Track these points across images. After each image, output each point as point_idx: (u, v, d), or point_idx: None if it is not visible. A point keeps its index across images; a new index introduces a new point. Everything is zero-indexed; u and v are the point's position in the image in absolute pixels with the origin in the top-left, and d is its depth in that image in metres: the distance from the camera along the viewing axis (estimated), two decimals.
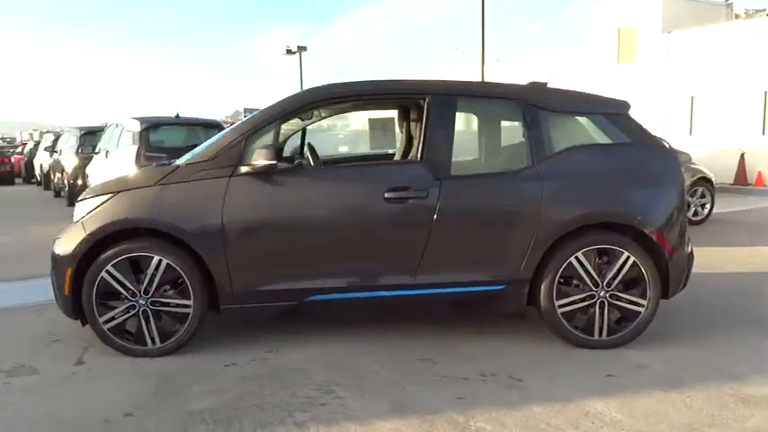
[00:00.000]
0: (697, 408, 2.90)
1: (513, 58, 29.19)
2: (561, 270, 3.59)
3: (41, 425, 2.81)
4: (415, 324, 4.06)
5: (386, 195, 3.49)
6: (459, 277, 3.60)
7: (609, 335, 3.66)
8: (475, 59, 19.62)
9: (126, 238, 3.52)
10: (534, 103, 3.71)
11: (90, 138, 11.15)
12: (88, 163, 9.70)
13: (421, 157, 3.59)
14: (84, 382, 3.28)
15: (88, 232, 3.49)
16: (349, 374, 3.33)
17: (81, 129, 12.16)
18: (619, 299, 3.63)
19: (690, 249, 3.85)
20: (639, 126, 3.86)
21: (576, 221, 3.58)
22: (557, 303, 3.62)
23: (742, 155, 14.61)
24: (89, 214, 3.57)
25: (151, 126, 7.72)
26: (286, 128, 4.90)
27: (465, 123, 3.89)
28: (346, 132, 13.28)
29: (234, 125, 3.78)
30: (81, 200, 3.73)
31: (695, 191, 8.62)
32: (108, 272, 3.48)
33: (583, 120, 3.89)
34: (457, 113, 3.70)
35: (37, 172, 18.18)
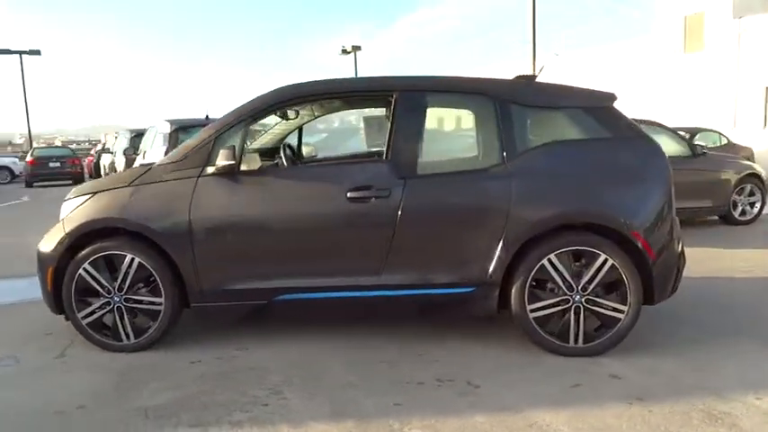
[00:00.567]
0: (654, 423, 2.69)
1: (576, 51, 28.30)
2: (533, 273, 3.42)
3: None
4: (388, 325, 3.99)
5: (348, 195, 3.44)
6: (427, 279, 3.50)
7: (585, 342, 3.46)
8: (538, 54, 19.12)
9: (103, 237, 3.64)
10: (507, 98, 3.54)
11: (138, 139, 11.65)
12: (133, 163, 10.14)
13: (386, 156, 3.52)
14: (56, 374, 3.42)
15: (66, 231, 3.64)
16: (306, 375, 3.31)
17: (132, 131, 12.75)
18: (596, 304, 3.43)
19: (680, 252, 3.57)
20: (624, 120, 3.61)
21: (547, 222, 3.40)
22: (529, 308, 3.45)
23: None
24: (69, 214, 3.73)
25: (180, 128, 7.97)
26: (282, 128, 4.96)
27: (437, 120, 3.77)
28: (344, 130, 13.24)
29: (207, 126, 3.83)
30: (66, 200, 3.89)
31: (743, 188, 8.02)
32: (85, 269, 3.61)
33: (560, 114, 3.68)
34: (426, 110, 3.60)
35: (102, 172, 19.23)
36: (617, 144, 3.55)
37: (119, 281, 3.61)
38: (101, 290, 3.63)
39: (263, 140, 4.98)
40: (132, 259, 3.58)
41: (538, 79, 3.93)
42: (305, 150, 5.48)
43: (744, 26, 18.92)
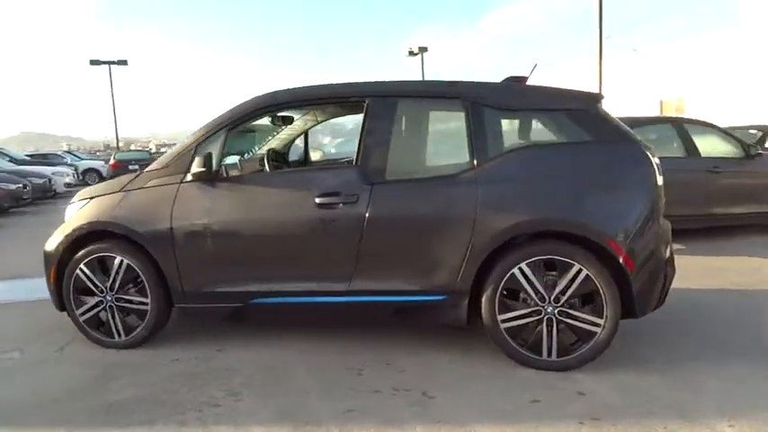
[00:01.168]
0: None
1: (657, 46, 26.93)
2: (504, 282, 3.30)
3: None
4: (366, 332, 3.97)
5: (317, 201, 3.46)
6: (396, 286, 3.46)
7: (560, 355, 3.30)
8: (619, 50, 18.45)
9: (97, 240, 3.85)
10: (479, 102, 3.44)
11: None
12: None
13: (356, 161, 3.51)
14: (50, 367, 3.65)
15: (65, 234, 3.89)
16: (269, 378, 3.36)
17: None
18: (570, 316, 3.26)
19: (666, 262, 3.34)
20: (609, 123, 3.42)
21: (514, 230, 3.27)
22: (499, 318, 3.34)
23: None
24: (71, 217, 3.98)
25: (241, 134, 8.27)
26: (288, 133, 5.06)
27: (409, 126, 3.70)
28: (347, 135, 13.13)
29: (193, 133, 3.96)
30: (70, 203, 4.15)
31: None
32: (81, 269, 3.84)
33: (537, 117, 3.54)
34: (396, 116, 3.56)
35: None
36: (596, 148, 3.36)
37: (110, 281, 3.81)
38: (95, 289, 3.85)
39: (270, 145, 5.10)
40: (122, 261, 3.78)
41: (530, 81, 3.81)
42: (314, 155, 5.55)
43: None
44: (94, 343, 3.92)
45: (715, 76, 22.76)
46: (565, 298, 3.25)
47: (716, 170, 6.89)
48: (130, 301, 3.82)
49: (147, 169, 3.92)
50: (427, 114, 3.67)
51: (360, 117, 3.67)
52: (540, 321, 3.29)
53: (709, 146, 7.07)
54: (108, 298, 3.84)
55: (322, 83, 3.76)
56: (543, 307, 3.28)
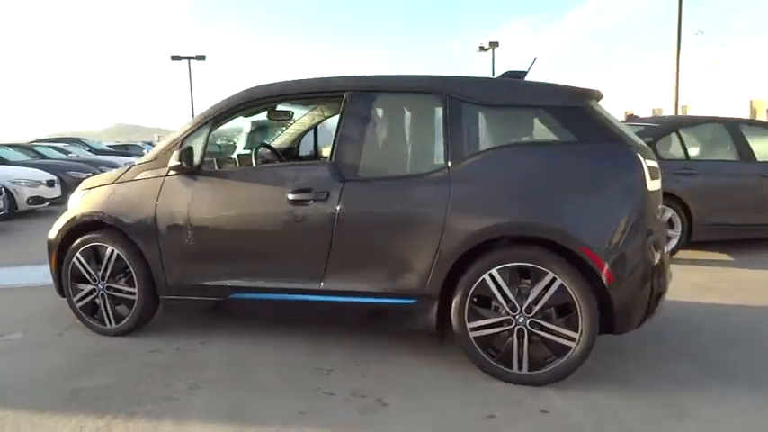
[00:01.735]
0: None
1: (750, 40, 25.04)
2: (474, 288, 3.13)
3: None
4: (344, 331, 3.89)
5: (290, 197, 3.41)
6: (367, 287, 3.35)
7: (531, 369, 3.09)
8: (706, 43, 17.42)
9: (92, 230, 3.98)
10: (459, 97, 3.26)
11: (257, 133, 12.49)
12: None
13: (330, 158, 3.43)
14: (43, 350, 3.80)
15: (64, 223, 4.05)
16: (237, 374, 3.35)
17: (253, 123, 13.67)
18: (542, 328, 3.05)
19: (654, 274, 3.04)
20: (599, 122, 3.14)
21: (484, 233, 3.08)
22: (468, 325, 3.17)
23: None
24: (71, 207, 4.14)
25: (258, 128, 8.42)
26: (297, 128, 5.05)
27: (387, 121, 3.56)
28: None
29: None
30: (72, 194, 4.31)
31: None
32: (77, 258, 3.99)
33: (520, 114, 3.31)
34: (373, 111, 3.45)
35: None
36: (579, 149, 3.11)
37: (102, 270, 3.93)
38: (88, 277, 3.98)
39: (280, 140, 5.11)
40: (112, 251, 3.88)
41: (528, 76, 3.59)
42: (325, 151, 5.51)
43: None
44: (89, 328, 4.06)
45: None
46: (537, 308, 3.04)
47: None
48: (120, 291, 3.93)
49: (138, 161, 4.01)
50: (404, 110, 3.53)
51: None
52: (510, 332, 3.09)
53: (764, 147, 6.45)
54: (100, 286, 3.96)
55: (300, 78, 3.69)
56: (514, 317, 3.08)
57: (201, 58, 33.39)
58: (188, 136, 3.76)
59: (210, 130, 3.75)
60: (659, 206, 3.26)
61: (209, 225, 3.63)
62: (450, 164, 3.19)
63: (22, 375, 3.40)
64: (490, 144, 3.22)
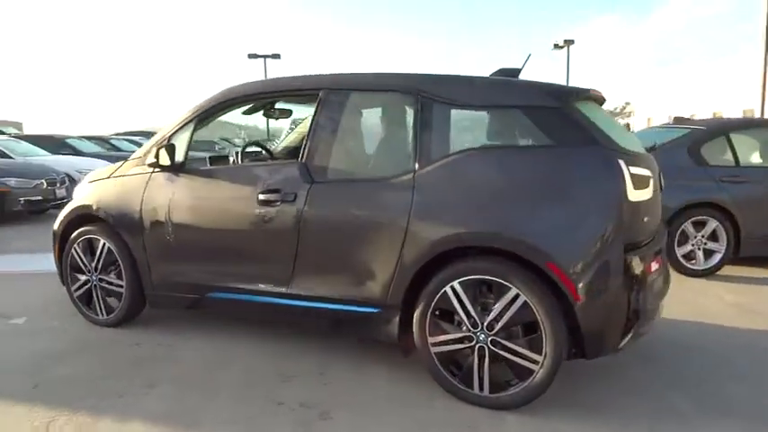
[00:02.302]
0: None
1: None
2: (435, 301, 2.93)
3: None
4: (323, 336, 3.77)
5: (260, 197, 3.34)
6: (332, 293, 3.22)
7: (492, 391, 2.86)
8: None
9: (88, 222, 4.09)
10: (430, 96, 3.06)
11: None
12: None
13: (301, 158, 3.32)
14: (38, 337, 3.92)
15: (65, 214, 4.18)
16: (199, 373, 3.32)
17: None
18: (504, 348, 2.81)
19: (632, 295, 2.72)
20: (579, 123, 2.84)
21: (444, 243, 2.87)
22: (430, 340, 2.98)
23: None
24: (74, 199, 4.27)
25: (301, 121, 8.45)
26: (303, 129, 4.98)
27: (360, 121, 3.39)
28: None
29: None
30: (77, 186, 4.44)
31: None
32: (75, 249, 4.11)
33: (495, 115, 3.07)
34: (345, 110, 3.30)
35: None
36: (554, 154, 2.83)
37: (95, 262, 4.03)
38: (84, 268, 4.09)
39: (289, 139, 5.06)
40: (104, 244, 3.97)
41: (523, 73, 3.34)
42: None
43: None
44: (84, 317, 4.18)
45: None
46: (499, 326, 2.80)
47: None
48: (111, 283, 4.00)
49: (131, 157, 4.07)
50: (376, 110, 3.37)
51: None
52: (471, 349, 2.88)
53: None
54: (93, 278, 4.06)
55: (281, 76, 3.60)
56: (475, 334, 2.86)
57: (277, 56, 34.25)
58: (173, 134, 3.77)
59: (194, 129, 3.74)
60: (649, 217, 2.93)
61: (188, 223, 3.63)
62: (416, 168, 3.00)
63: (3, 361, 3.52)
64: (459, 147, 2.99)
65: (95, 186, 4.11)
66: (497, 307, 2.80)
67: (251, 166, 3.61)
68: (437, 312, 2.96)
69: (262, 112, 4.23)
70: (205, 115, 3.73)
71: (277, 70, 34.48)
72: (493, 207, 2.80)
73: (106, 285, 4.03)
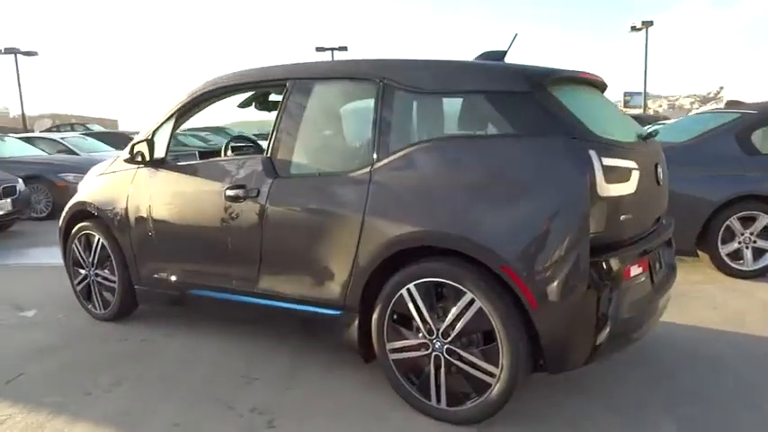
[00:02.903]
0: None
1: None
2: (392, 304, 2.72)
3: None
4: (306, 340, 3.61)
5: (227, 193, 3.24)
6: (296, 293, 3.07)
7: (450, 404, 2.62)
8: None
9: (86, 218, 4.15)
10: (393, 83, 2.83)
11: None
12: None
13: (267, 152, 3.18)
14: (35, 329, 4.03)
15: (66, 209, 4.27)
16: (166, 372, 3.28)
17: None
18: (460, 358, 2.56)
19: (603, 303, 2.39)
20: (549, 110, 2.51)
21: (397, 243, 2.65)
22: (388, 346, 2.78)
23: None
24: (77, 194, 4.35)
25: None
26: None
27: (327, 112, 3.18)
28: None
29: None
30: (81, 182, 4.52)
31: None
32: (75, 244, 4.19)
33: (456, 102, 2.78)
34: (310, 101, 3.12)
35: None
36: (515, 145, 2.53)
37: (91, 257, 4.09)
38: (83, 263, 4.17)
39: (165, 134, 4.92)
40: (98, 240, 4.01)
41: (508, 55, 3.06)
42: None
43: None
44: (86, 312, 4.26)
45: None
46: (455, 333, 2.55)
47: None
48: (107, 279, 4.05)
49: (124, 151, 4.08)
50: (340, 100, 3.17)
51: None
52: (428, 358, 2.65)
53: None
54: (91, 273, 4.12)
55: (255, 67, 3.45)
56: (431, 341, 2.62)
57: (344, 48, 34.53)
58: (156, 129, 3.74)
59: (175, 124, 3.69)
60: (634, 214, 2.57)
61: (166, 219, 3.59)
62: (374, 161, 2.79)
63: (5, 358, 3.59)
64: (418, 139, 2.75)
65: (92, 182, 4.17)
66: (453, 313, 2.55)
67: (221, 161, 3.51)
68: (395, 317, 2.74)
69: (253, 105, 4.13)
70: (185, 110, 3.67)
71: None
72: (446, 204, 2.54)
73: (102, 280, 4.08)
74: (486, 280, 2.46)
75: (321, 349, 3.47)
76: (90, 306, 4.21)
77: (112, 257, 3.94)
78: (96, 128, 25.22)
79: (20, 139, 11.97)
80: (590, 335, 2.41)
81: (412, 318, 2.68)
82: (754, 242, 4.96)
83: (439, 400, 2.64)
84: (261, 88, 3.56)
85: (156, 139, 3.67)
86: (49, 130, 25.00)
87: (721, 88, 46.27)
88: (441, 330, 2.58)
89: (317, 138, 3.18)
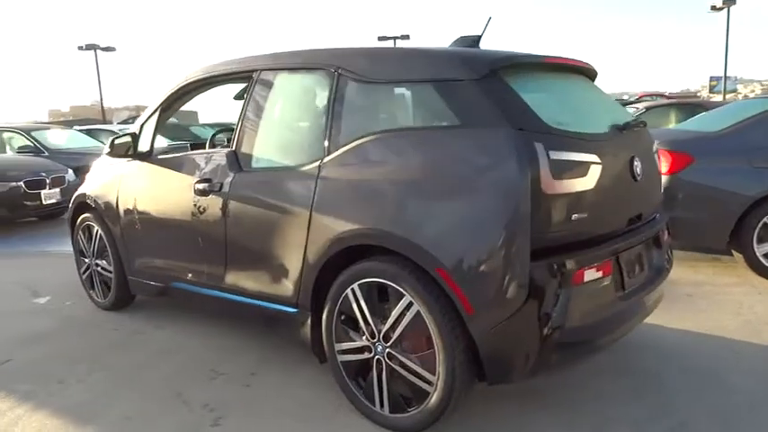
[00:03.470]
0: None
1: None
2: (339, 304, 2.62)
3: None
4: (274, 334, 3.54)
5: (196, 187, 3.23)
6: (258, 289, 3.02)
7: (392, 411, 2.50)
8: None
9: (88, 209, 4.27)
10: (347, 73, 2.70)
11: None
12: None
13: (231, 145, 3.14)
14: (40, 315, 4.20)
15: (71, 201, 4.42)
16: (139, 363, 3.32)
17: None
18: (400, 363, 2.43)
19: (541, 305, 2.19)
20: (493, 99, 2.32)
21: (339, 241, 2.54)
22: (336, 347, 2.68)
23: None
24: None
25: None
26: None
27: (284, 104, 3.07)
28: None
29: None
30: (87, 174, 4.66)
31: None
32: (79, 234, 4.34)
33: (403, 92, 2.61)
34: (272, 92, 3.04)
35: None
36: (457, 137, 2.34)
37: (92, 247, 4.22)
38: (86, 252, 4.31)
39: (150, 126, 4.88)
40: (97, 230, 4.13)
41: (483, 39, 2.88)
42: None
43: None
44: (90, 300, 4.40)
45: None
46: (395, 337, 2.43)
47: None
48: (105, 269, 4.17)
49: None
50: (299, 91, 3.06)
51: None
52: (370, 361, 2.53)
53: None
54: (92, 262, 4.25)
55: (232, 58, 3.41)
56: (374, 344, 2.51)
57: (406, 37, 34.29)
58: (144, 122, 3.79)
59: (160, 117, 3.73)
60: (593, 212, 2.34)
61: (148, 211, 3.64)
62: (323, 155, 2.68)
63: (5, 341, 3.76)
64: (365, 132, 2.61)
65: (93, 175, 4.29)
66: (393, 316, 2.42)
67: (193, 155, 3.49)
68: (342, 317, 2.64)
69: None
70: (167, 103, 3.70)
71: None
72: (387, 201, 2.41)
73: (101, 270, 4.20)
74: (424, 283, 2.31)
75: (290, 347, 3.41)
76: (93, 294, 4.34)
77: (108, 248, 4.04)
78: (172, 120, 26.30)
79: (81, 131, 12.63)
80: (533, 345, 2.22)
81: (357, 319, 2.57)
82: None
83: (382, 406, 2.52)
84: (233, 80, 3.51)
85: (142, 132, 3.72)
86: (125, 122, 26.36)
87: None
88: (382, 333, 2.46)
89: (277, 130, 3.10)
